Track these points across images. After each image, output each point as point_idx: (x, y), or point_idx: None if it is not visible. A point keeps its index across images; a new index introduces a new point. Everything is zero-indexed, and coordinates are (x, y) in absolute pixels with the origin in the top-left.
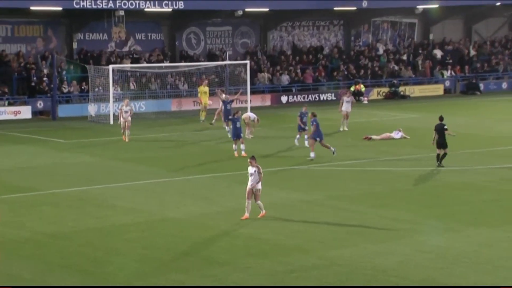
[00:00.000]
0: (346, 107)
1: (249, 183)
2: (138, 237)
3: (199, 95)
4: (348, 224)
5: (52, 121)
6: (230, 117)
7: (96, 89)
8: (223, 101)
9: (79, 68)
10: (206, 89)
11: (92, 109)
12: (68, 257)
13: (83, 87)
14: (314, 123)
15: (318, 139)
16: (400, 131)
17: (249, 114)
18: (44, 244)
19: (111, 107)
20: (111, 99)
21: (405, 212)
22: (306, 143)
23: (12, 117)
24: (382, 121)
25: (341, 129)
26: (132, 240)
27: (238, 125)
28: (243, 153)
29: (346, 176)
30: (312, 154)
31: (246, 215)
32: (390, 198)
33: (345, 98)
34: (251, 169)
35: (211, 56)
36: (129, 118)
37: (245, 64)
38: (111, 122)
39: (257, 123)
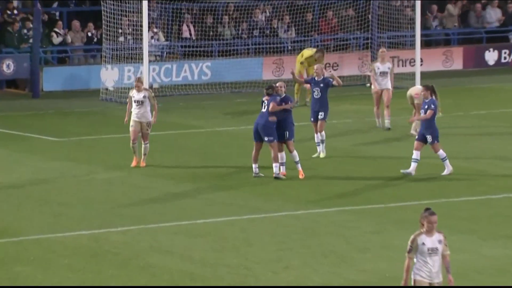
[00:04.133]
0: None
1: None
2: None
3: (296, 64)
4: None
5: (32, 99)
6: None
7: (121, 38)
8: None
9: None
10: (309, 52)
11: (108, 76)
12: None
13: (90, 34)
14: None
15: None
16: None
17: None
18: None
19: (145, 72)
20: (146, 58)
21: None
22: None
23: None
24: None
25: None
26: None
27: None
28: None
29: None
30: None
31: None
32: None
33: None
34: (430, 241)
35: None
36: (148, 116)
37: None
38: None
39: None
